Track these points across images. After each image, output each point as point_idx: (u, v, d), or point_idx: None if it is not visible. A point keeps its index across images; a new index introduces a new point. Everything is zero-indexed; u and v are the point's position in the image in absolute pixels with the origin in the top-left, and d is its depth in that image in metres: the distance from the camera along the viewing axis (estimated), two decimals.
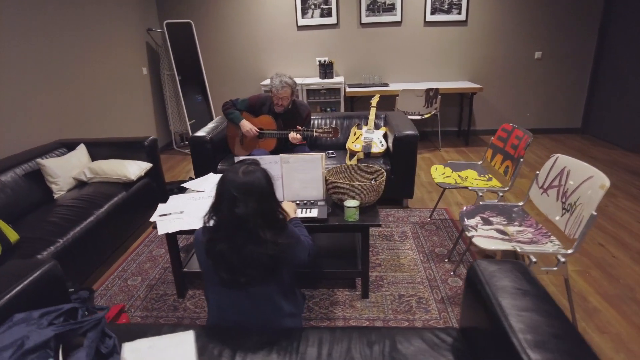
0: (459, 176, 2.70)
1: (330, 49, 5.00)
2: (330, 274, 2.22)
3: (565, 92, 4.99)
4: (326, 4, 4.79)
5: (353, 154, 3.31)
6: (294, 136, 2.89)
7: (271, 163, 2.17)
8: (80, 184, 2.85)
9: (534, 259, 1.74)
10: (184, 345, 1.34)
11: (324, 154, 2.24)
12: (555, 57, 4.85)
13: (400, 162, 3.11)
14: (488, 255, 2.57)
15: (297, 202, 2.18)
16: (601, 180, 1.70)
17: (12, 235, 2.01)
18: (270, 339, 1.39)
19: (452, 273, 2.40)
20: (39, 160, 2.68)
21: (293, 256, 1.59)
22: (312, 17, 4.86)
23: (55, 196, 2.70)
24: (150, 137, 3.12)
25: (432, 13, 4.75)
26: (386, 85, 4.88)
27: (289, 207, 2.00)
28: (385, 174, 2.29)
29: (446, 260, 2.53)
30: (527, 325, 1.05)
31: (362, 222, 2.06)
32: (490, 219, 2.10)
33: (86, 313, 1.31)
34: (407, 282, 2.34)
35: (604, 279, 2.32)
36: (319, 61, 4.84)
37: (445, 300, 2.17)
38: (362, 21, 4.83)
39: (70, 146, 3.03)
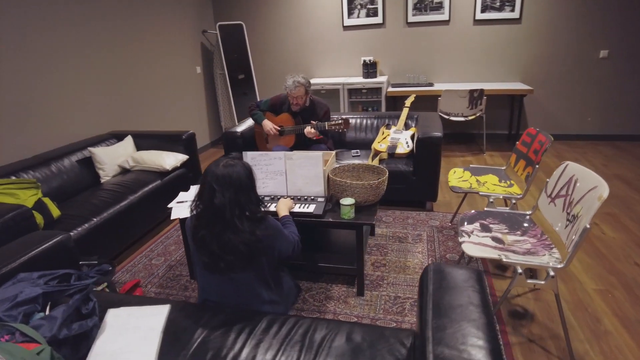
0: (477, 181, 2.60)
1: (375, 49, 5.00)
2: (325, 269, 2.28)
3: (635, 94, 4.49)
4: (372, 4, 4.79)
5: (377, 154, 3.31)
6: (309, 130, 2.98)
7: (276, 159, 2.29)
8: (124, 171, 3.20)
9: (519, 270, 1.66)
10: (157, 316, 1.50)
11: (327, 152, 2.31)
12: (623, 56, 4.38)
13: (423, 163, 3.06)
14: (501, 264, 2.46)
15: (299, 197, 2.28)
16: (600, 191, 1.58)
17: (55, 212, 2.35)
18: (234, 319, 1.50)
19: None
20: (90, 148, 3.07)
21: (272, 247, 1.69)
22: (357, 17, 4.90)
23: (102, 180, 3.07)
24: (188, 132, 3.41)
25: (483, 11, 4.54)
26: (431, 85, 4.76)
27: (283, 205, 2.10)
28: (387, 174, 2.29)
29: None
30: (446, 334, 1.05)
31: (356, 221, 2.10)
32: (491, 226, 2.02)
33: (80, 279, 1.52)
34: (407, 285, 2.32)
35: (628, 301, 2.11)
36: (364, 61, 4.86)
37: None
38: (409, 20, 4.76)
39: (120, 137, 3.41)
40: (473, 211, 2.14)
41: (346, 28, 4.99)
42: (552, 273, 1.62)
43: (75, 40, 3.28)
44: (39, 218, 2.19)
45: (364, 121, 3.71)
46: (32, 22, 2.92)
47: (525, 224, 2.03)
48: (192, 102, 4.99)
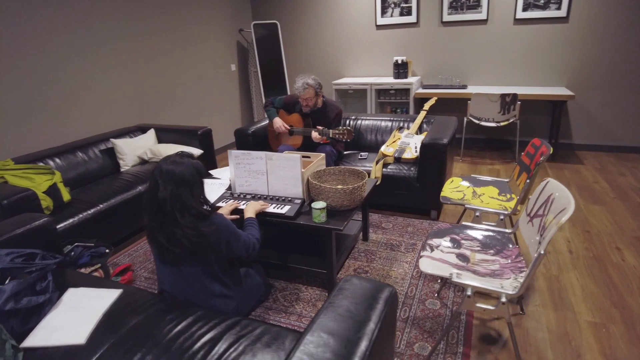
0: (474, 192, 2.45)
1: (408, 49, 4.85)
2: (297, 270, 2.29)
3: None
4: (406, 3, 4.65)
5: (383, 157, 3.23)
6: (315, 135, 2.99)
7: (257, 159, 2.34)
8: (142, 161, 3.44)
9: (468, 292, 1.56)
10: (105, 299, 1.62)
11: (316, 154, 2.31)
12: None
13: (427, 170, 2.94)
14: None
15: (277, 197, 2.30)
16: (564, 215, 1.43)
17: (66, 196, 2.61)
18: (172, 309, 1.58)
19: (435, 294, 2.23)
20: (112, 139, 3.34)
21: (218, 244, 1.73)
22: (391, 16, 4.78)
23: (121, 170, 3.33)
24: (205, 128, 3.57)
25: (525, 10, 4.21)
26: (464, 87, 4.53)
27: (251, 207, 2.14)
28: (365, 178, 2.25)
29: (439, 281, 2.35)
30: (315, 345, 1.03)
31: (325, 225, 2.08)
32: (462, 241, 1.90)
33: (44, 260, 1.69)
34: None
35: (624, 339, 1.88)
36: (395, 60, 4.75)
37: (409, 320, 2.05)
38: (444, 20, 4.56)
39: (145, 130, 3.66)
40: (447, 224, 2.03)
41: (379, 27, 4.90)
42: (503, 299, 1.50)
43: (110, 37, 3.58)
44: (48, 201, 2.44)
45: (380, 123, 3.64)
46: (69, 19, 3.23)
47: (502, 243, 1.88)
48: (226, 99, 5.21)
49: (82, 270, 2.29)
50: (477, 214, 2.20)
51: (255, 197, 2.34)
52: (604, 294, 2.19)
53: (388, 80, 4.73)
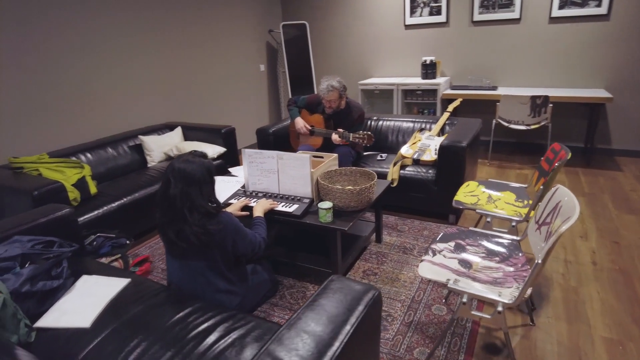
0: (489, 197, 2.38)
1: (437, 49, 4.75)
2: (304, 269, 2.32)
3: None
4: (436, 2, 4.56)
5: (402, 159, 3.19)
6: (335, 137, 3.01)
7: (269, 158, 2.38)
8: (169, 158, 3.59)
9: (463, 299, 1.52)
10: (113, 287, 1.72)
11: (328, 154, 2.33)
12: None
13: (445, 173, 2.88)
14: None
15: (287, 196, 2.34)
16: (565, 224, 1.37)
17: (93, 189, 2.77)
18: (175, 301, 1.65)
19: (443, 300, 2.19)
20: (140, 136, 3.51)
21: (224, 243, 1.79)
22: (420, 15, 4.70)
23: (148, 165, 3.49)
24: (228, 127, 3.68)
25: (561, 7, 4.01)
26: (494, 88, 4.38)
27: (260, 206, 2.19)
28: (374, 179, 2.24)
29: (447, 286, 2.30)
30: (287, 343, 1.05)
31: (330, 225, 2.10)
32: (468, 247, 1.86)
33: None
34: (389, 297, 2.24)
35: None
36: (424, 61, 4.66)
37: (413, 324, 2.03)
38: (474, 19, 4.43)
39: (172, 128, 3.82)
40: (454, 228, 1.99)
41: (408, 27, 4.83)
42: (499, 308, 1.45)
43: (143, 38, 3.76)
44: (76, 193, 2.61)
45: (402, 124, 3.60)
46: (102, 19, 3.43)
47: (510, 251, 1.82)
48: (254, 99, 5.32)
49: (103, 259, 2.43)
50: (489, 219, 2.14)
51: (266, 195, 2.39)
52: (625, 310, 2.07)
53: (415, 80, 4.66)
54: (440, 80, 4.53)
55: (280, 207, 2.25)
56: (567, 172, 3.90)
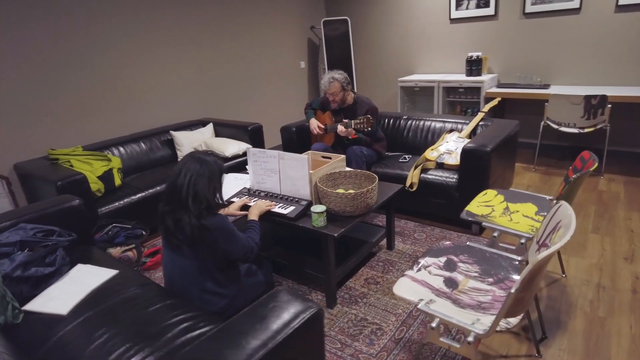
0: (506, 208, 2.15)
1: (484, 44, 4.41)
2: (302, 272, 2.26)
3: None
4: None
5: (425, 162, 3.00)
6: (340, 129, 2.92)
7: (271, 157, 2.35)
8: None
9: (433, 324, 1.37)
10: (100, 277, 1.80)
11: (335, 155, 2.26)
12: None
13: (467, 178, 2.66)
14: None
15: (286, 197, 2.30)
16: (550, 248, 1.18)
17: (117, 182, 2.95)
18: (148, 293, 1.69)
19: None
20: (172, 132, 3.66)
21: (214, 242, 1.79)
22: (466, 8, 4.38)
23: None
24: (255, 124, 3.71)
25: None
26: (546, 87, 3.96)
27: (256, 208, 2.16)
28: (375, 182, 2.11)
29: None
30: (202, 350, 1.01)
31: (322, 230, 2.02)
32: (460, 264, 1.69)
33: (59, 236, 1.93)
34: (384, 309, 2.12)
35: None
36: (470, 56, 4.35)
37: (402, 340, 1.89)
38: (526, 10, 4.03)
39: (205, 124, 3.94)
40: (449, 243, 1.81)
41: (453, 21, 4.53)
42: (470, 338, 1.29)
43: (181, 35, 3.91)
44: (100, 185, 2.79)
45: (432, 124, 3.38)
46: (140, 19, 3.62)
47: (506, 272, 1.62)
48: (294, 96, 5.33)
49: (117, 248, 2.58)
50: (495, 234, 1.93)
51: (268, 194, 2.37)
52: None
53: (458, 77, 4.36)
54: (484, 77, 4.19)
55: (277, 208, 2.21)
56: (627, 183, 3.42)
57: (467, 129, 3.15)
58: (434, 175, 2.86)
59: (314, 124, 3.17)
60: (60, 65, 3.12)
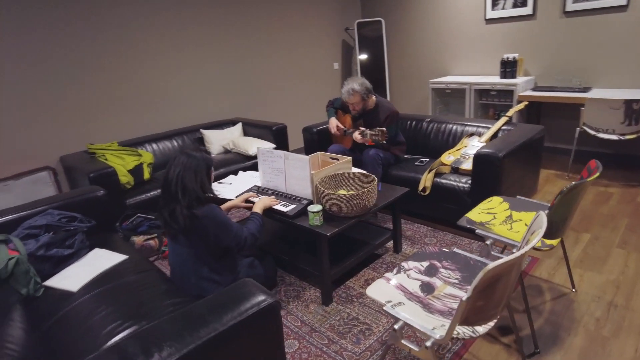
0: (508, 217, 2.08)
1: (521, 45, 4.22)
2: (297, 268, 2.34)
3: None
4: None
5: (440, 166, 2.96)
6: (356, 137, 2.95)
7: (278, 157, 2.45)
8: (225, 151, 3.90)
9: (395, 326, 1.39)
10: (110, 260, 1.99)
11: (342, 156, 2.31)
12: None
13: (479, 185, 2.60)
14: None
15: (289, 195, 2.38)
16: (504, 257, 1.17)
17: (146, 175, 3.19)
18: (149, 279, 1.85)
19: None
20: (202, 130, 3.88)
21: (206, 230, 1.93)
22: (503, 8, 4.22)
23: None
24: (279, 124, 3.84)
25: None
26: (587, 90, 3.72)
27: (260, 202, 2.27)
28: (373, 183, 2.14)
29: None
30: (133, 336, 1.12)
31: (316, 229, 2.08)
32: (441, 270, 1.68)
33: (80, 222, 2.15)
34: (376, 310, 2.14)
35: None
36: (505, 58, 4.19)
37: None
38: (567, 9, 3.81)
39: (236, 123, 4.13)
40: (435, 248, 1.80)
41: (489, 21, 4.38)
42: (428, 343, 1.30)
43: (215, 36, 4.13)
44: (129, 178, 3.03)
45: (452, 127, 3.31)
46: (173, 19, 3.87)
47: None
48: (328, 97, 5.40)
49: (140, 237, 2.80)
50: (488, 242, 1.88)
51: (275, 193, 2.47)
52: None
53: (490, 80, 4.21)
54: (518, 80, 4.02)
55: (279, 205, 2.30)
56: None
57: (488, 133, 3.06)
58: (448, 179, 2.82)
59: (333, 124, 3.22)
60: (101, 67, 3.42)
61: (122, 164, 3.06)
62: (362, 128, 2.92)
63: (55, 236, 1.98)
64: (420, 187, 2.90)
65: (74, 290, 1.80)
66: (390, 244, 2.77)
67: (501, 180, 2.52)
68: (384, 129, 2.75)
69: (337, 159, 2.58)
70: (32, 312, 1.73)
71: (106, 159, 3.07)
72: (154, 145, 3.61)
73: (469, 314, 1.24)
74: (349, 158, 2.53)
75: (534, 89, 4.02)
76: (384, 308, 1.43)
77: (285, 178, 2.45)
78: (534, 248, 1.69)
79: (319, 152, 2.74)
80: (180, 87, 3.95)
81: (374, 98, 3.13)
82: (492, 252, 1.88)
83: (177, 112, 3.98)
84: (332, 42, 5.30)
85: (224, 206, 2.37)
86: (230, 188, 2.68)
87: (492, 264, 1.12)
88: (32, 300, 1.80)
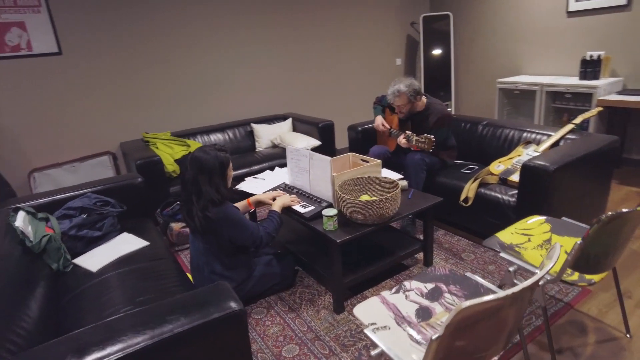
0: (546, 241, 1.81)
1: (609, 41, 3.65)
2: (315, 270, 2.27)
3: None
4: None
5: (488, 175, 2.68)
6: (401, 141, 2.77)
7: (303, 157, 2.40)
8: (273, 145, 3.94)
9: (372, 352, 1.27)
10: (133, 245, 2.11)
11: (371, 158, 2.22)
12: None
13: (524, 200, 2.31)
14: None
15: (311, 196, 2.32)
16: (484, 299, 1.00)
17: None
18: (160, 267, 1.92)
19: None
20: (252, 124, 3.96)
21: (220, 231, 1.96)
22: None
23: (257, 150, 3.92)
24: (326, 121, 3.78)
25: None
26: None
27: (280, 200, 2.25)
28: (391, 193, 1.99)
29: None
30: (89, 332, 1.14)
31: (328, 234, 2.00)
32: (446, 294, 1.51)
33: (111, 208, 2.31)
34: None
35: None
36: (589, 56, 3.67)
37: None
38: None
39: (287, 118, 4.16)
40: (446, 270, 1.62)
41: (571, 14, 3.85)
42: None
43: (270, 33, 4.18)
44: (175, 167, 3.19)
45: (510, 133, 2.98)
46: (232, 18, 3.97)
47: None
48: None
49: (178, 224, 2.93)
50: (511, 268, 1.65)
51: (299, 192, 2.43)
52: None
53: (567, 81, 3.72)
54: (600, 81, 3.49)
55: (299, 205, 2.26)
56: None
57: (548, 141, 2.70)
58: (493, 191, 2.54)
59: (379, 121, 3.08)
60: (162, 61, 3.64)
61: (170, 153, 3.23)
62: (408, 132, 2.74)
63: (88, 218, 2.15)
64: (462, 197, 2.65)
65: (94, 270, 1.93)
66: (420, 255, 2.59)
67: (551, 197, 2.20)
68: (432, 136, 2.54)
69: (367, 162, 2.46)
70: (58, 285, 1.90)
71: (157, 148, 3.27)
72: (205, 137, 3.77)
73: (447, 354, 1.08)
74: (379, 161, 2.40)
75: (620, 93, 3.47)
76: (365, 330, 1.32)
77: (309, 178, 2.39)
78: (567, 282, 1.45)
79: (350, 153, 2.63)
80: (235, 81, 4.07)
81: (424, 99, 2.91)
82: (515, 281, 1.64)
83: (230, 105, 4.11)
84: (396, 36, 5.08)
85: (251, 199, 2.39)
86: (262, 183, 2.69)
87: (467, 303, 0.96)
88: (61, 275, 1.98)
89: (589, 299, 2.09)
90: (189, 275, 2.21)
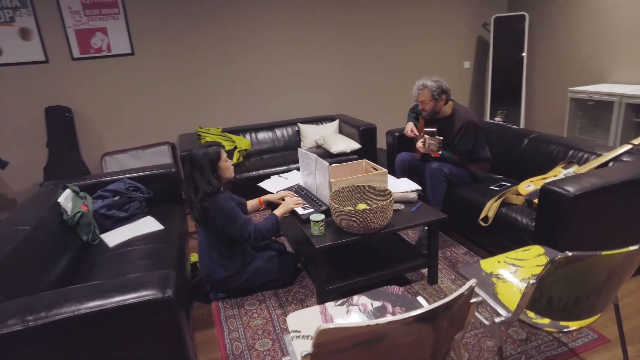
0: (534, 275, 1.62)
1: None
2: (304, 271, 2.31)
3: None
4: None
5: (514, 195, 2.44)
6: (419, 145, 2.67)
7: (311, 160, 2.45)
8: (317, 146, 4.02)
9: (283, 359, 1.29)
10: (150, 227, 2.38)
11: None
12: None
13: (543, 223, 2.07)
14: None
15: (317, 199, 2.37)
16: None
17: (235, 160, 3.57)
18: (167, 250, 2.15)
19: None
20: (299, 124, 4.09)
21: (214, 221, 2.13)
22: None
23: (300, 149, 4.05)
24: (368, 125, 3.74)
25: None
26: None
27: (284, 205, 2.33)
28: (382, 204, 1.95)
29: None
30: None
31: (313, 239, 2.04)
32: (389, 315, 1.45)
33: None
34: None
35: None
36: None
37: None
38: None
39: (334, 119, 4.21)
40: (399, 290, 1.55)
41: None
42: None
43: (327, 32, 4.26)
44: None
45: (554, 149, 2.66)
46: (280, 20, 4.12)
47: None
48: (454, 97, 4.93)
49: None
50: (475, 299, 1.51)
51: (306, 194, 2.49)
52: None
53: None
54: None
55: (300, 207, 2.32)
56: None
57: (594, 162, 2.36)
58: (514, 212, 2.32)
59: (409, 127, 3.00)
60: (220, 61, 3.95)
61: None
62: (426, 136, 2.62)
63: (117, 200, 2.48)
64: (482, 216, 2.46)
65: (111, 245, 2.23)
66: (426, 271, 2.47)
67: (570, 226, 1.94)
68: (440, 137, 2.42)
69: (376, 169, 2.42)
70: (85, 255, 2.24)
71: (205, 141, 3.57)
72: (253, 134, 4.01)
73: None
74: (385, 170, 2.35)
75: None
76: (284, 336, 1.35)
77: (315, 180, 2.44)
78: (531, 326, 1.31)
79: (364, 160, 2.61)
80: (288, 82, 4.23)
81: (451, 103, 2.77)
82: (477, 314, 1.51)
83: (281, 104, 4.28)
84: (465, 38, 4.78)
85: (262, 198, 2.53)
86: (284, 183, 2.80)
87: (328, 325, 0.95)
88: (89, 246, 2.32)
89: (602, 349, 1.81)
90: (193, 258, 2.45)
